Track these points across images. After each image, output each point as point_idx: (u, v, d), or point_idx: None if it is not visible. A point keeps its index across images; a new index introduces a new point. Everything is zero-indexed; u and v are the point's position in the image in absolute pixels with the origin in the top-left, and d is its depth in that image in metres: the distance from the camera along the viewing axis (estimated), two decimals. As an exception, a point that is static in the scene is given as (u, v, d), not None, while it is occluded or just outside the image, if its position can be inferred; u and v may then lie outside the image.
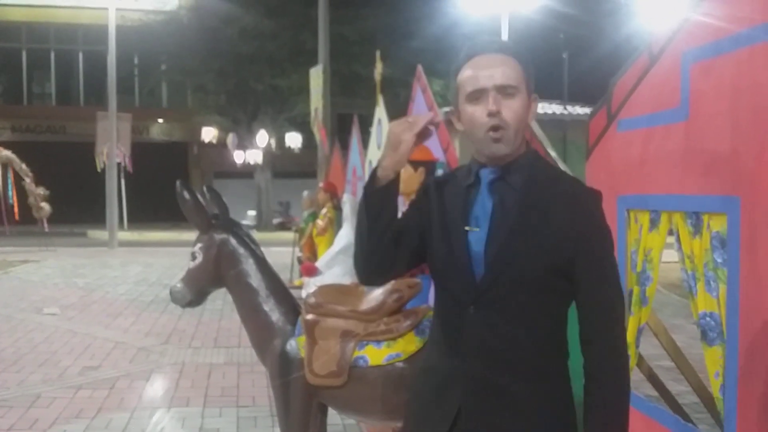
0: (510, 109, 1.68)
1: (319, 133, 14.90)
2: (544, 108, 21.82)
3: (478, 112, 1.70)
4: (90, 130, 24.46)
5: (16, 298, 10.65)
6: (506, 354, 1.67)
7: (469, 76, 1.72)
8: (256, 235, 4.44)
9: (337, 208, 9.24)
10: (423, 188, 1.91)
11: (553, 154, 2.91)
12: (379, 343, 3.03)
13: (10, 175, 19.44)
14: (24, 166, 19.13)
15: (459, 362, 1.70)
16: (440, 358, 1.77)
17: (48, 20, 31.70)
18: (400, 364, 2.98)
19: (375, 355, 3.02)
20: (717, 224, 1.79)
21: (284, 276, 8.63)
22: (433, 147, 4.64)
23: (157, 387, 5.98)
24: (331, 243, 8.41)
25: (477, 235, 1.72)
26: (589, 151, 2.53)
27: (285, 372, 3.20)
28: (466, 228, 1.73)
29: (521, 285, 1.66)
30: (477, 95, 1.70)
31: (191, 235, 3.58)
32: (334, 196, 9.73)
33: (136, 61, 29.54)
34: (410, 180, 4.40)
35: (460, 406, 1.69)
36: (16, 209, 19.54)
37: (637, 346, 2.23)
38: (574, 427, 1.74)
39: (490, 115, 1.67)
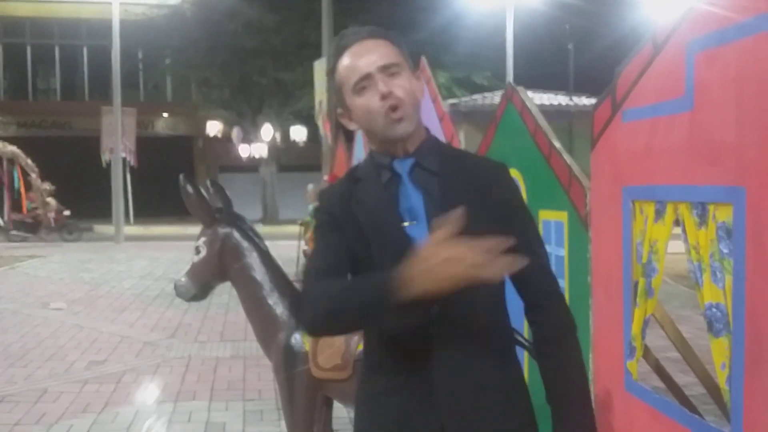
0: (400, 87, 1.63)
1: (323, 126, 14.90)
2: (550, 99, 21.77)
3: (369, 100, 1.64)
4: (95, 125, 24.53)
5: (23, 293, 10.70)
6: (481, 351, 1.63)
7: (348, 67, 1.67)
8: (261, 229, 4.44)
9: (342, 201, 9.24)
10: (325, 210, 1.72)
11: (558, 145, 2.88)
12: (384, 336, 3.03)
13: (17, 170, 19.54)
14: (29, 161, 19.23)
15: (433, 379, 1.60)
16: (406, 379, 1.63)
17: (52, 15, 31.73)
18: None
19: (380, 348, 3.02)
20: (722, 215, 1.77)
21: (290, 269, 8.64)
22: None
23: (163, 381, 6.00)
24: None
25: (416, 230, 1.61)
26: (594, 141, 2.51)
27: (290, 365, 3.20)
28: (405, 223, 1.63)
29: None
30: (363, 84, 1.64)
31: (197, 229, 3.58)
32: (338, 189, 9.73)
33: (140, 55, 29.54)
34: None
35: (443, 417, 1.60)
36: (24, 204, 19.62)
37: (643, 338, 2.22)
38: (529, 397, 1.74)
39: (384, 97, 1.61)
